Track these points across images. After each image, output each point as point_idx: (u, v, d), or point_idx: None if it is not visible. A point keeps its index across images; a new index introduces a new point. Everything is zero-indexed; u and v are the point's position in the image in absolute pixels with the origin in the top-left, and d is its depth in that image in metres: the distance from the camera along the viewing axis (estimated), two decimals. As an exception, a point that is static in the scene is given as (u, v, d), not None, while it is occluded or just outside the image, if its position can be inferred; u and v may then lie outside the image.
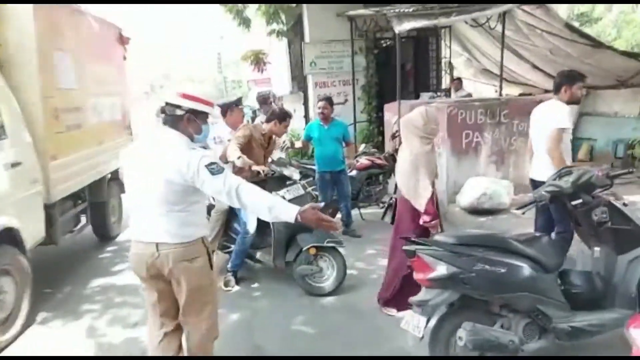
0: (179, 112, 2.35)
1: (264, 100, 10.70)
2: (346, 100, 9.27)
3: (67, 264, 5.22)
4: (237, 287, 4.33)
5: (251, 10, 9.10)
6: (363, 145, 6.44)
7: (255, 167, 4.06)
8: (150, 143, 2.41)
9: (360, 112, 9.39)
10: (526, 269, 2.61)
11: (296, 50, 10.49)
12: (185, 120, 2.36)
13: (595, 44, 7.53)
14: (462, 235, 2.86)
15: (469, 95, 9.51)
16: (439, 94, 8.95)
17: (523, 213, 3.23)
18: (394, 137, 5.62)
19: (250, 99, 16.03)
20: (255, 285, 4.47)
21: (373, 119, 9.23)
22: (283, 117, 4.49)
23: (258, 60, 9.48)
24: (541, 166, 3.81)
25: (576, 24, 14.19)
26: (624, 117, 8.28)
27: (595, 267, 2.95)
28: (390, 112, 7.73)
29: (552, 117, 3.72)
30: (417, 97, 9.16)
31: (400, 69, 10.00)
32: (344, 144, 5.55)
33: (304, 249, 4.03)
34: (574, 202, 2.91)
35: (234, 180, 2.26)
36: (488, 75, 10.69)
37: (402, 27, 6.99)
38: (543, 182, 3.19)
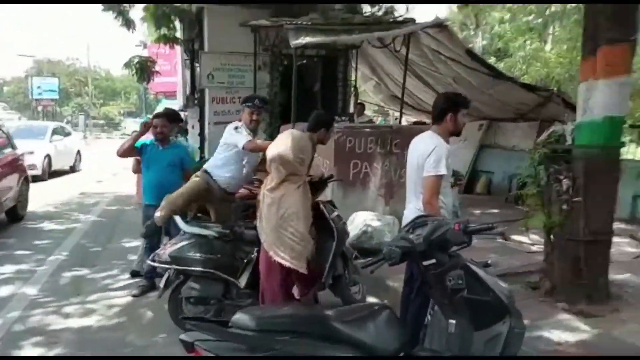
0: None
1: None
2: (246, 119, 8.49)
3: None
4: None
5: (138, 11, 8.12)
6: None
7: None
8: None
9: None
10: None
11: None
12: None
13: (496, 74, 7.35)
14: (268, 317, 2.08)
15: (370, 121, 9.12)
16: (343, 118, 8.42)
17: (372, 272, 2.57)
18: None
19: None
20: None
21: (275, 142, 8.52)
22: (331, 122, 3.67)
23: (143, 69, 8.49)
24: (410, 214, 3.03)
25: (493, 60, 14.50)
26: (521, 150, 8.20)
27: (449, 345, 2.34)
28: (285, 135, 7.06)
29: (430, 160, 2.92)
30: (322, 119, 8.59)
31: (307, 90, 9.56)
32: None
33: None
34: (425, 262, 2.32)
35: None
36: (397, 102, 10.38)
37: (298, 41, 6.41)
38: None
